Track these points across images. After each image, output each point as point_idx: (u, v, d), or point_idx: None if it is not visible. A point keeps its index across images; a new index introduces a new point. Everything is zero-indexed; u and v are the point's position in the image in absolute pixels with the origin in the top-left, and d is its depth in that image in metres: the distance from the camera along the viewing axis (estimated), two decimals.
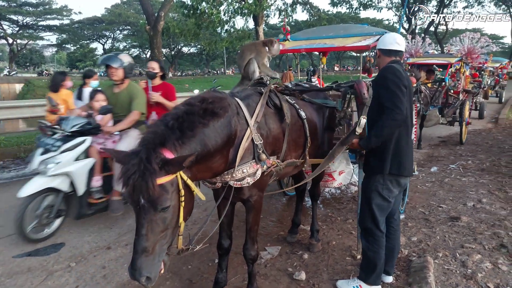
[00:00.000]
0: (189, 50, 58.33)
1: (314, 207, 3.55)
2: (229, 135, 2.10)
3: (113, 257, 3.21)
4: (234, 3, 13.56)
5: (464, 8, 35.44)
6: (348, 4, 31.08)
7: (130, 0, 49.44)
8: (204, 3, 12.74)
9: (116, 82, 3.94)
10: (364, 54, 3.77)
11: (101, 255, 3.25)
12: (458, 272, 2.91)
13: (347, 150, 3.72)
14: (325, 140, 3.20)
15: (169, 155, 1.68)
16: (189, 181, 1.79)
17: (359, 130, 2.55)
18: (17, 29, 45.95)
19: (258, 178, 2.32)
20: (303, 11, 19.99)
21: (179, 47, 54.51)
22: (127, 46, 56.12)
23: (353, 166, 3.78)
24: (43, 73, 42.77)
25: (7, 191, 4.96)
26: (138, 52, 57.01)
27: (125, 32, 52.27)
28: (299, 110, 2.83)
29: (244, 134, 2.22)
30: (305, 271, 2.95)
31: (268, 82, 2.83)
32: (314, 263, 3.12)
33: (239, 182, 2.25)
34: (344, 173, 3.82)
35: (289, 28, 4.53)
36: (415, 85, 5.65)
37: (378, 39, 3.80)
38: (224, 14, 13.65)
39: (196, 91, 10.80)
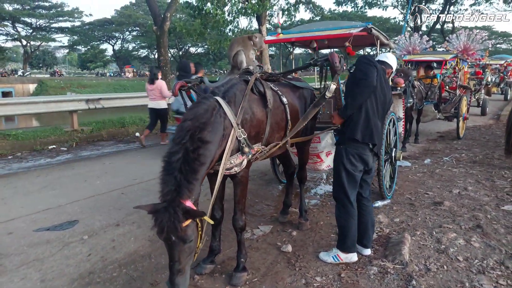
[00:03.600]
0: (196, 50, 58.74)
1: (301, 189, 3.87)
2: (220, 143, 2.46)
3: (121, 232, 3.58)
4: (238, 4, 13.92)
5: (471, 5, 35.21)
6: (353, 3, 31.15)
7: (139, 1, 50.09)
8: (209, 4, 13.12)
9: None
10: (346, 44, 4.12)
11: (111, 230, 3.63)
12: (432, 247, 3.18)
13: (332, 131, 4.08)
14: (308, 124, 3.47)
15: (187, 203, 2.11)
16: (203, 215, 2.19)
17: (328, 94, 3.00)
18: (30, 31, 47.03)
19: (244, 166, 2.68)
20: (306, 11, 20.21)
21: (187, 48, 55.01)
22: (136, 47, 56.89)
23: None
24: (55, 74, 43.75)
25: (25, 179, 5.39)
26: (146, 52, 57.72)
27: (134, 33, 52.99)
28: (282, 96, 3.14)
29: (230, 133, 2.52)
30: (292, 245, 3.27)
31: (254, 71, 3.10)
32: (302, 239, 3.43)
33: (228, 171, 2.61)
34: (331, 154, 4.13)
35: (280, 22, 4.89)
36: (403, 85, 5.91)
37: (361, 30, 4.15)
38: (228, 15, 14.01)
39: None
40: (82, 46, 54.61)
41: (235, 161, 2.60)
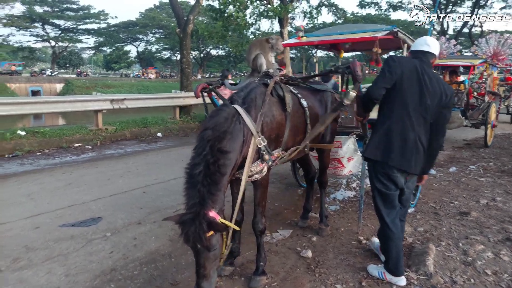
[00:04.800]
0: (217, 52, 59.33)
1: (322, 194, 3.81)
2: (240, 151, 2.45)
3: (143, 231, 3.64)
4: (259, 7, 13.97)
5: (501, 8, 34.07)
6: (376, 6, 30.73)
7: (163, 4, 51.05)
8: (231, 7, 13.23)
9: None
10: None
11: (133, 228, 3.69)
12: (458, 259, 3.07)
13: (354, 136, 4.02)
14: (328, 128, 3.44)
15: (211, 213, 2.15)
16: (226, 222, 2.25)
17: (346, 102, 2.93)
18: (59, 32, 48.69)
19: (264, 173, 2.68)
20: (328, 13, 20.10)
21: (208, 50, 55.59)
22: (159, 49, 57.96)
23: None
24: (81, 74, 45.08)
25: (52, 176, 5.56)
26: (169, 54, 58.69)
27: (157, 35, 54.04)
28: (301, 99, 3.12)
29: (250, 140, 2.52)
30: (312, 250, 3.23)
31: (274, 74, 3.09)
32: (322, 245, 3.39)
33: (249, 178, 2.62)
34: (353, 160, 4.06)
35: (303, 25, 4.85)
36: None
37: (388, 33, 4.06)
38: (249, 17, 14.08)
39: None
40: (107, 47, 56.13)
41: (256, 169, 2.61)
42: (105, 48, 56.92)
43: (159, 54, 58.57)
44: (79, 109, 8.44)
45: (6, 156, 6.70)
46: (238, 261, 3.01)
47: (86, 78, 40.15)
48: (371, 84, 2.68)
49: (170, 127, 9.89)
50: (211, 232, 2.10)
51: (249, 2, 13.83)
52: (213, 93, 3.29)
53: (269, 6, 13.95)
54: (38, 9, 45.21)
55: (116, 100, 8.89)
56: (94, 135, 8.15)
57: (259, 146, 2.57)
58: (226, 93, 3.65)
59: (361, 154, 4.00)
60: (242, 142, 2.47)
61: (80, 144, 7.73)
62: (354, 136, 4.06)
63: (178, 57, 56.85)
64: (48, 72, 43.18)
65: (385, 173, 2.60)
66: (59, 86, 34.43)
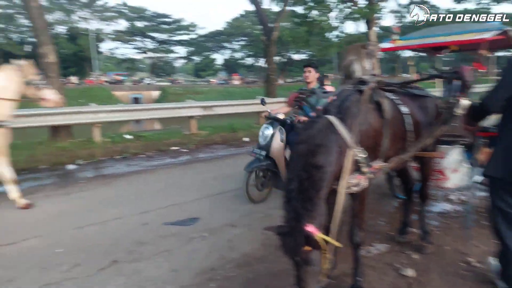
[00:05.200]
0: (299, 57, 59.34)
1: (423, 208, 3.53)
2: (336, 163, 2.36)
3: (237, 233, 3.79)
4: (344, 9, 13.62)
5: None
6: None
7: (248, 13, 52.97)
8: (314, 11, 13.16)
9: None
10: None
11: (228, 230, 3.86)
12: None
13: (460, 145, 3.62)
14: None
15: (310, 228, 2.11)
16: (327, 238, 2.18)
17: (459, 112, 2.63)
18: (155, 44, 53.82)
19: (363, 186, 2.55)
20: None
21: (290, 55, 55.93)
22: (243, 56, 60.23)
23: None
24: (174, 82, 49.17)
25: (154, 176, 6.13)
26: (252, 61, 60.56)
27: (242, 42, 56.21)
28: (400, 106, 2.91)
29: (346, 152, 2.40)
30: (413, 268, 3.00)
31: (369, 80, 2.90)
32: (424, 263, 3.13)
33: (346, 190, 2.49)
34: (458, 173, 3.67)
35: (398, 28, 4.55)
36: None
37: (498, 33, 3.59)
38: (334, 20, 13.85)
39: None
40: (196, 56, 60.26)
41: (353, 182, 2.50)
42: (194, 57, 61.22)
43: (242, 61, 60.83)
44: (175, 115, 9.23)
45: (117, 157, 7.60)
46: (334, 274, 2.95)
47: (178, 85, 43.61)
48: (486, 93, 2.40)
49: (255, 132, 10.13)
50: (309, 247, 2.08)
51: (333, 6, 13.63)
52: (304, 103, 3.29)
53: (354, 8, 13.55)
54: (139, 24, 50.66)
55: (207, 106, 9.48)
56: (188, 139, 8.79)
57: (356, 158, 2.45)
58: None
59: (468, 166, 3.63)
60: (338, 155, 2.37)
61: (177, 148, 8.41)
62: (461, 146, 3.68)
63: (261, 63, 58.43)
64: (146, 81, 48.00)
65: (510, 190, 2.31)
66: (155, 93, 38.04)
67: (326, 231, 2.26)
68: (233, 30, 51.92)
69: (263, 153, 4.51)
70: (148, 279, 2.97)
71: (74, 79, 40.58)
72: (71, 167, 6.82)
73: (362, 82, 2.94)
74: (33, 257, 3.36)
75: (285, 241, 2.12)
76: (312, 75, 4.41)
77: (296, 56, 58.40)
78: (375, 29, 14.51)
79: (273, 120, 4.63)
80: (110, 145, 7.84)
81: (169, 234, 3.79)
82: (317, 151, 2.28)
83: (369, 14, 12.44)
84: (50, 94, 4.87)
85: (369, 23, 13.89)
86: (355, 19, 13.08)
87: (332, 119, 2.45)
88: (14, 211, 4.53)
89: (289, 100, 3.20)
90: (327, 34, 14.17)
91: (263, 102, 4.99)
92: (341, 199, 2.41)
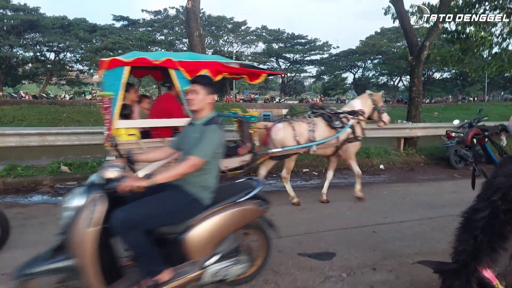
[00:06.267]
0: (441, 75, 53.88)
1: None
2: None
3: (378, 279, 3.36)
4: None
5: None
6: None
7: (384, 30, 50.72)
8: (472, 27, 11.52)
9: None
10: None
11: (368, 273, 3.47)
12: None
13: None
14: None
15: (486, 273, 1.74)
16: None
17: None
18: (288, 64, 56.31)
19: None
20: None
21: (431, 73, 51.22)
22: (376, 74, 57.72)
23: None
24: (303, 101, 50.31)
25: (286, 199, 6.10)
26: (386, 79, 57.54)
27: (376, 61, 54.01)
28: None
29: None
30: None
31: None
32: None
33: None
34: None
35: None
36: None
37: None
38: (496, 37, 11.85)
39: (456, 122, 9.82)
40: (327, 76, 60.49)
41: None
42: (324, 76, 61.59)
43: (375, 80, 58.30)
44: None
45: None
46: None
47: (307, 104, 44.41)
48: None
49: (393, 159, 9.35)
50: None
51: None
52: (486, 141, 2.77)
53: None
54: (275, 46, 53.87)
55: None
56: (320, 162, 8.61)
57: None
58: None
59: None
60: None
61: (307, 170, 8.32)
62: None
63: (396, 82, 54.85)
64: (276, 99, 50.44)
65: None
66: (284, 111, 39.48)
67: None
68: (367, 48, 50.32)
69: None
70: None
71: (215, 96, 45.60)
72: None
73: None
74: None
75: (451, 283, 1.75)
76: (199, 98, 2.69)
77: (438, 74, 53.11)
78: None
79: None
80: None
81: (306, 267, 3.59)
82: None
83: None
84: (386, 117, 6.27)
85: None
86: None
87: None
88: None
89: (467, 138, 2.73)
90: (485, 52, 12.21)
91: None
92: None
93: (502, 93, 60.92)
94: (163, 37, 44.90)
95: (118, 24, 46.66)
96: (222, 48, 49.90)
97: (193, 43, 8.27)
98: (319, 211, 5.42)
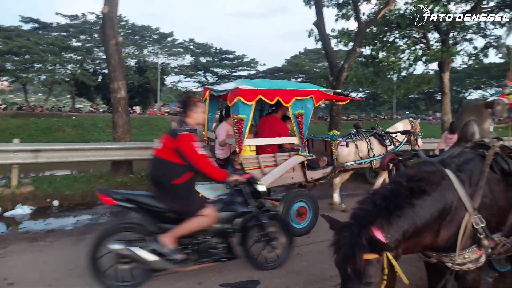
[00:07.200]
0: (356, 95, 58.65)
1: None
2: (441, 210, 2.05)
3: None
4: (417, 51, 12.97)
5: None
6: None
7: (307, 51, 53.80)
8: (383, 52, 12.69)
9: None
10: None
11: None
12: None
13: None
14: None
15: (377, 233, 1.79)
16: (394, 262, 1.78)
17: None
18: (216, 79, 56.37)
19: (481, 263, 2.16)
20: (496, 55, 17.30)
21: (348, 93, 55.42)
22: None
23: None
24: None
25: None
26: None
27: (299, 79, 56.84)
28: None
29: (462, 218, 2.09)
30: None
31: (490, 144, 2.55)
32: None
33: (459, 267, 2.13)
34: None
35: (510, 82, 3.91)
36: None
37: None
38: (404, 62, 13.22)
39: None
40: None
41: (471, 256, 2.11)
42: None
43: None
44: None
45: None
46: None
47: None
48: None
49: None
50: (370, 256, 1.69)
51: (405, 47, 13.07)
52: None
53: (428, 50, 12.87)
54: (203, 59, 53.59)
55: None
56: None
57: (475, 226, 2.09)
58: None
59: None
60: (443, 211, 2.05)
61: None
62: None
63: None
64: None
65: None
66: (213, 125, 39.15)
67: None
68: (291, 67, 52.80)
69: None
70: None
71: (137, 109, 43.46)
72: None
73: (482, 145, 2.48)
74: None
75: (342, 238, 1.75)
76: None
77: (354, 94, 57.71)
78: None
79: None
80: None
81: None
82: (425, 181, 2.06)
83: (443, 57, 11.69)
84: (420, 142, 7.03)
85: (443, 66, 13.09)
86: (428, 62, 12.35)
87: (450, 174, 2.17)
88: None
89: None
90: (394, 76, 13.54)
91: None
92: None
93: (408, 112, 68.43)
94: (79, 44, 41.64)
95: (26, 27, 42.08)
96: (147, 59, 48.04)
97: (109, 51, 7.61)
98: None
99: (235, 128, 4.74)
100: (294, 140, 5.32)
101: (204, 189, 4.72)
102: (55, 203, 6.63)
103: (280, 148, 5.56)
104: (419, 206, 1.96)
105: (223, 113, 6.26)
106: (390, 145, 6.56)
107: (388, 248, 1.74)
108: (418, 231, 1.96)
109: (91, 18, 43.00)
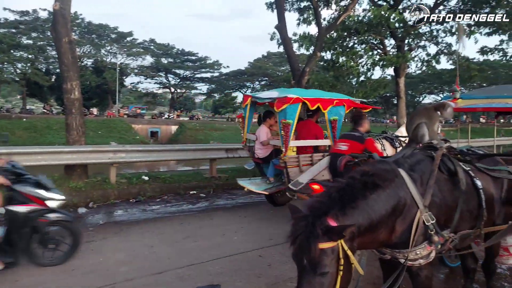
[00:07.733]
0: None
1: (488, 283, 3.20)
2: (394, 206, 2.12)
3: None
4: (375, 56, 13.51)
5: None
6: (501, 52, 27.40)
7: (270, 54, 54.37)
8: (343, 57, 13.09)
9: None
10: None
11: None
12: None
13: None
14: (501, 215, 2.84)
15: (332, 223, 1.82)
16: (349, 252, 1.84)
17: None
18: (178, 80, 55.46)
19: (431, 259, 2.27)
20: (448, 61, 18.43)
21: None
22: None
23: None
24: (193, 117, 49.77)
25: (170, 226, 5.63)
26: None
27: (263, 82, 57.27)
28: (475, 179, 2.58)
29: (414, 215, 2.18)
30: None
31: (438, 146, 2.68)
32: None
33: (411, 262, 2.22)
34: None
35: (458, 86, 4.17)
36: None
37: None
38: (362, 67, 13.71)
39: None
40: (217, 94, 61.51)
41: (422, 252, 2.20)
42: (215, 94, 62.46)
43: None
44: (199, 157, 8.91)
45: (131, 200, 7.15)
46: None
47: (197, 121, 43.99)
48: None
49: None
50: (326, 245, 1.73)
51: (363, 52, 13.55)
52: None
53: (384, 56, 13.43)
54: (164, 60, 52.45)
55: (231, 149, 9.11)
56: (208, 182, 8.35)
57: (426, 223, 2.17)
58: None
59: None
60: (396, 207, 2.13)
61: (195, 192, 7.92)
62: None
63: None
64: (165, 115, 48.75)
65: None
66: (174, 128, 38.26)
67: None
68: (255, 70, 53.12)
69: None
70: None
71: (94, 110, 41.62)
72: (81, 210, 6.43)
73: (431, 147, 2.61)
74: None
75: (298, 228, 1.79)
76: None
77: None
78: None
79: None
80: (126, 187, 7.43)
81: None
82: (378, 177, 2.14)
83: (399, 62, 12.25)
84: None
85: (399, 71, 13.70)
86: (384, 66, 12.88)
87: (403, 173, 2.25)
88: None
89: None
90: (354, 80, 13.99)
91: None
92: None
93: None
94: (30, 41, 39.24)
95: None
96: (104, 59, 46.22)
97: (62, 50, 7.20)
98: (205, 238, 5.09)
99: (282, 131, 5.24)
100: (328, 142, 5.91)
101: (248, 184, 5.90)
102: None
103: (315, 149, 6.16)
104: (372, 200, 2.04)
105: (261, 117, 6.75)
106: (399, 147, 6.71)
107: (343, 230, 1.76)
108: (373, 226, 2.02)
109: (43, 14, 40.63)
